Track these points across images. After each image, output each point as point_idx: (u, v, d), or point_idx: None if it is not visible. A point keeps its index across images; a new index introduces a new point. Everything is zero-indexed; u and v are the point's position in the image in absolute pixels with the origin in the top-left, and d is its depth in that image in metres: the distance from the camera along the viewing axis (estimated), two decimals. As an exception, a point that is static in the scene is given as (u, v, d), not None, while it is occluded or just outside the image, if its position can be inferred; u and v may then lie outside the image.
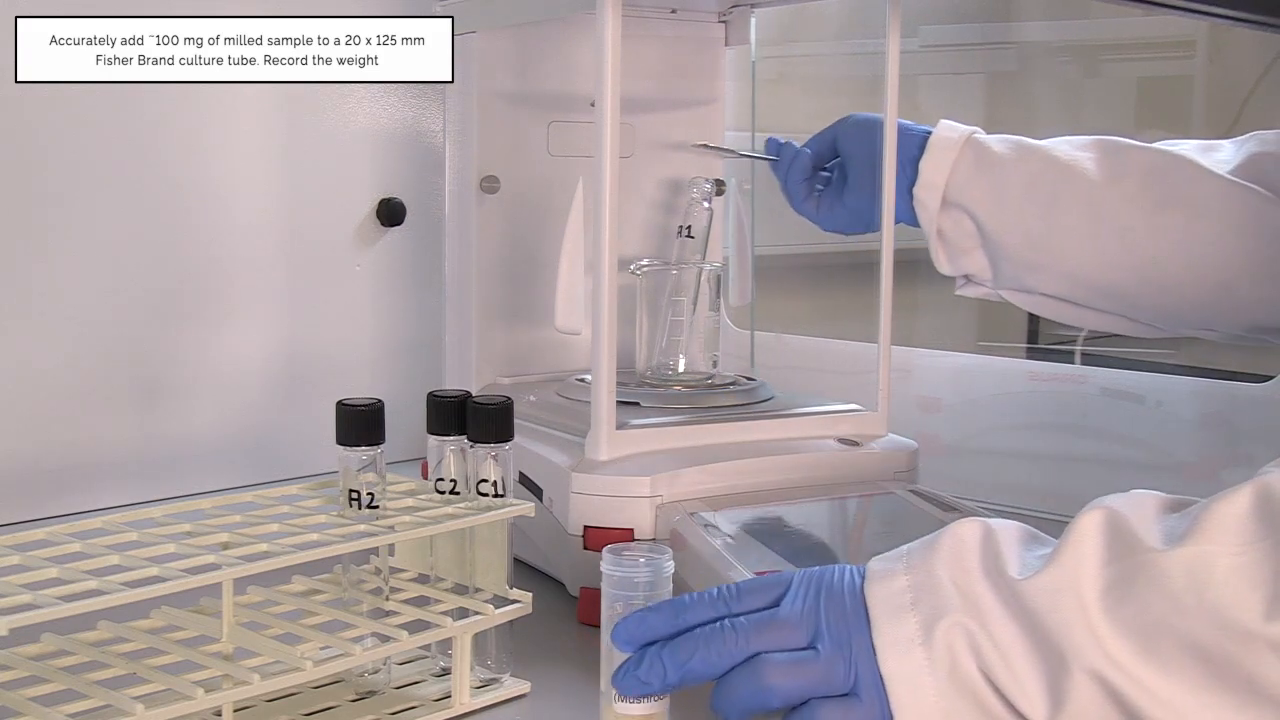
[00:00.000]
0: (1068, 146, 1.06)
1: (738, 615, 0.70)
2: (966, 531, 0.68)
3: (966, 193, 1.07)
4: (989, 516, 0.84)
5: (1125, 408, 1.21)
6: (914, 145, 1.09)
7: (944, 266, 1.11)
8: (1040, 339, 1.67)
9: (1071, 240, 1.04)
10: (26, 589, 0.66)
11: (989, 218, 1.06)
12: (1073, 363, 1.37)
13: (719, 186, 1.20)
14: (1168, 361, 1.40)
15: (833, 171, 1.15)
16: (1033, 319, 1.68)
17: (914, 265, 1.20)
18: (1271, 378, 1.13)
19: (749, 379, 1.12)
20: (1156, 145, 1.05)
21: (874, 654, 0.67)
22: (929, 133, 1.09)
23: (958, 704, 0.66)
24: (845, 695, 0.68)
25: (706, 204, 1.16)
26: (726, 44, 1.24)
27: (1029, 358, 1.59)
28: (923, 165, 1.08)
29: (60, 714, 0.63)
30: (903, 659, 0.66)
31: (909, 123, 1.10)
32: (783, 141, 1.16)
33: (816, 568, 0.72)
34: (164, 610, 0.74)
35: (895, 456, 1.02)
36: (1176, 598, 0.61)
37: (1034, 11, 1.77)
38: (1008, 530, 0.69)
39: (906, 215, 1.10)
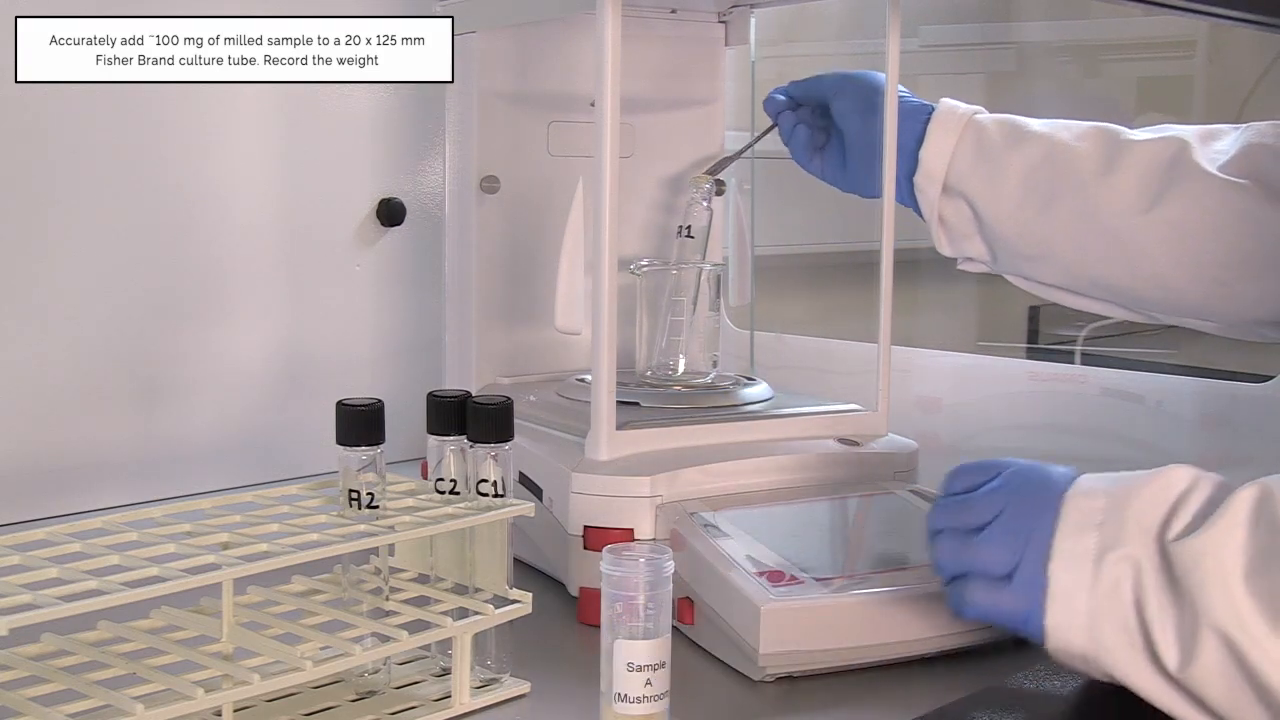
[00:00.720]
0: (1067, 134, 1.06)
1: (948, 496, 0.80)
2: (1175, 479, 0.73)
3: (965, 182, 1.07)
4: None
5: (1125, 408, 1.21)
6: (915, 125, 1.08)
7: (945, 249, 1.11)
8: (1040, 339, 1.68)
9: (1066, 235, 1.04)
10: (26, 589, 0.66)
11: (986, 209, 1.06)
12: (1073, 363, 1.37)
13: (719, 186, 1.20)
14: (1168, 361, 1.40)
15: (831, 129, 1.14)
16: (1033, 319, 1.68)
17: (914, 265, 1.21)
18: (1271, 378, 1.13)
19: (749, 379, 1.12)
20: (1156, 134, 1.05)
21: (1048, 555, 0.73)
22: (930, 111, 1.09)
23: (1105, 624, 0.72)
24: (1000, 578, 0.75)
25: (706, 204, 1.16)
26: (726, 44, 1.24)
27: (1029, 358, 1.59)
28: (923, 154, 1.07)
29: (60, 714, 0.64)
30: (1070, 569, 0.73)
31: (909, 95, 1.10)
32: (780, 104, 1.14)
33: (1038, 463, 0.79)
34: (164, 610, 0.74)
35: (895, 456, 1.02)
36: None
37: (1034, 11, 1.77)
38: (1203, 489, 0.73)
39: (907, 199, 1.10)
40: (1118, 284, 1.05)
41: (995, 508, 0.77)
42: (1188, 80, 1.78)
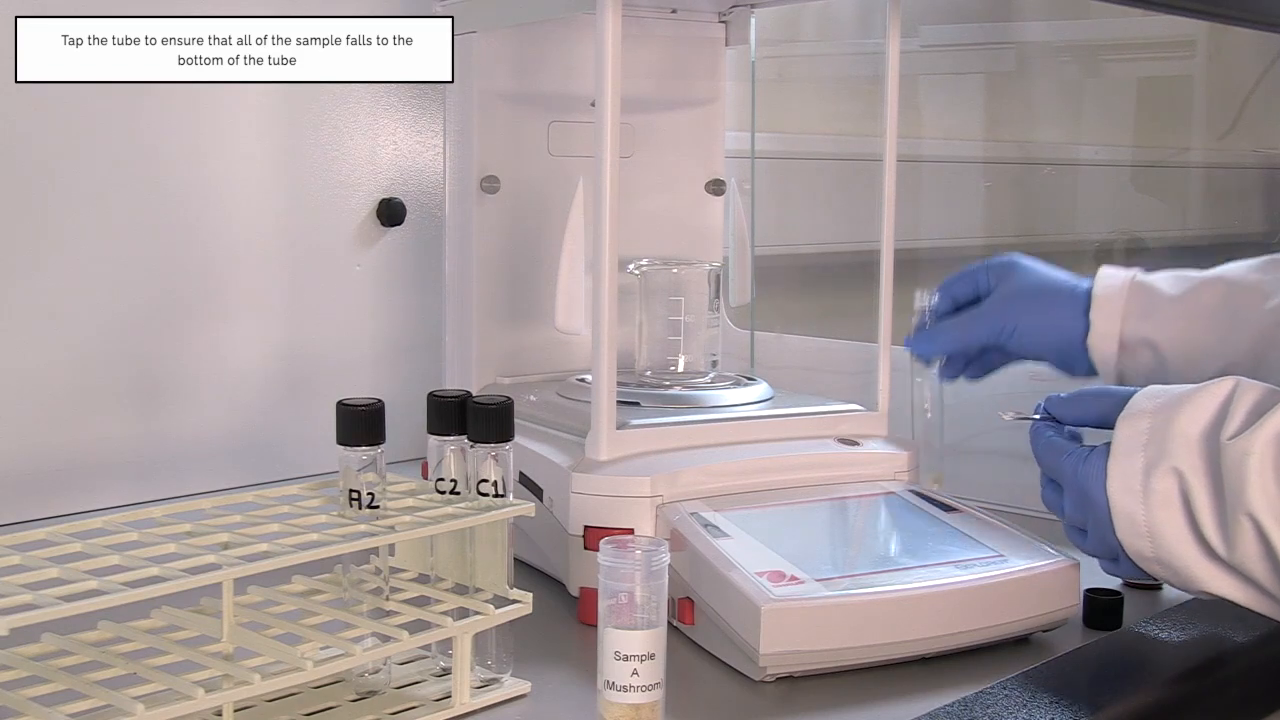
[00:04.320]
0: (1236, 270, 1.05)
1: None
2: (1219, 388, 0.81)
3: (1141, 328, 1.06)
4: (990, 513, 0.87)
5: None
6: (1078, 300, 1.07)
7: None
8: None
9: (1245, 359, 1.02)
10: (26, 589, 0.66)
11: (1167, 346, 1.05)
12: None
13: (719, 186, 1.20)
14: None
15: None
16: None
17: (914, 265, 1.20)
18: (1272, 378, 1.13)
19: (749, 379, 1.12)
20: None
21: (1105, 478, 0.83)
22: (1089, 288, 1.07)
23: (1164, 532, 0.80)
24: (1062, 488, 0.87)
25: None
26: (726, 44, 1.24)
27: (1029, 357, 1.58)
28: (1094, 317, 1.06)
29: (60, 714, 0.63)
30: (1125, 489, 0.82)
31: (1061, 277, 1.09)
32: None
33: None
34: (164, 610, 0.74)
35: (895, 456, 1.02)
36: None
37: (1034, 11, 1.77)
38: (1250, 391, 0.80)
39: (1083, 365, 1.08)
40: None
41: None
42: (1188, 80, 1.78)
